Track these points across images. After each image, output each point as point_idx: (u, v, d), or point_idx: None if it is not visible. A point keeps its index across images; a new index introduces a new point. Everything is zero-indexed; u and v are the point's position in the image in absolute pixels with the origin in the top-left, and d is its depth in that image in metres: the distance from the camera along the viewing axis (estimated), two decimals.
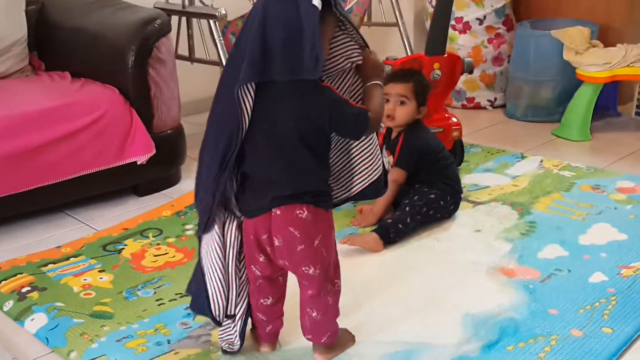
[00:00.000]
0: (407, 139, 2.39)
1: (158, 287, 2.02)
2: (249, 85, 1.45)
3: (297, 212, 1.51)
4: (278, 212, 1.51)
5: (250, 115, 1.47)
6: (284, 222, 1.52)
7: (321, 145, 1.53)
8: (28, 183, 2.37)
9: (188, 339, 1.77)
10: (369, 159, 1.66)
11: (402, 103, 2.38)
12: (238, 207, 1.59)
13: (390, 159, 2.44)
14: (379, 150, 1.68)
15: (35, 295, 2.00)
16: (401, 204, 2.33)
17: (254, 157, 1.52)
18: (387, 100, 2.39)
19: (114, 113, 2.51)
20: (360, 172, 1.67)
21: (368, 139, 1.66)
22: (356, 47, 1.59)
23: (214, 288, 1.58)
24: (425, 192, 2.34)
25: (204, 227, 1.57)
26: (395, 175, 2.37)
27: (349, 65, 1.60)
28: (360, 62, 1.60)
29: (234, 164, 1.52)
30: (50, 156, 2.39)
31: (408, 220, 2.26)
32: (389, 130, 2.49)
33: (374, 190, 1.69)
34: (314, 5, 1.40)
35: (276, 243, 1.54)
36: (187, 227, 2.41)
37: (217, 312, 1.60)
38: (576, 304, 1.88)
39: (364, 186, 1.67)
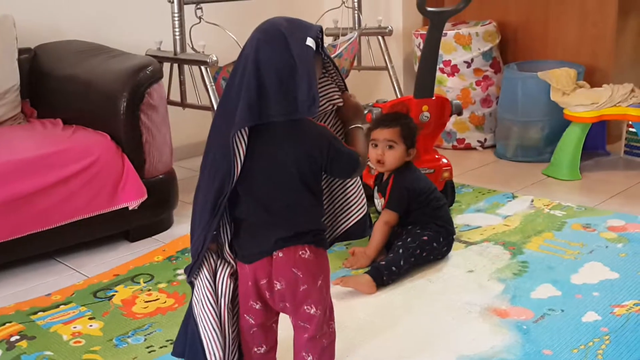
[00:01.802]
0: (397, 181, 2.41)
1: (149, 334, 2.00)
2: (242, 129, 1.46)
3: (300, 252, 1.50)
4: (280, 255, 1.50)
5: (243, 158, 1.47)
6: (287, 264, 1.50)
7: (317, 184, 1.54)
8: (18, 230, 2.36)
9: None
10: (352, 198, 1.67)
11: (391, 147, 2.42)
12: (234, 254, 1.58)
13: (382, 201, 2.45)
14: (362, 190, 1.68)
15: (24, 344, 1.97)
16: (394, 246, 2.33)
17: (251, 200, 1.51)
18: (376, 146, 2.42)
19: (105, 159, 2.52)
20: (344, 212, 1.67)
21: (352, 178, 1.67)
22: (336, 89, 1.62)
23: (209, 338, 1.54)
24: (418, 233, 2.35)
25: (189, 272, 1.55)
26: (387, 217, 2.38)
27: (330, 107, 1.62)
28: (340, 104, 1.63)
29: (226, 210, 1.51)
30: (42, 203, 2.39)
31: (401, 262, 2.26)
32: (381, 173, 2.51)
33: (359, 229, 1.68)
34: (307, 46, 1.43)
35: (277, 287, 1.52)
36: (179, 272, 2.40)
37: None
38: (570, 344, 1.87)
39: (349, 225, 1.67)
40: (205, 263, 1.56)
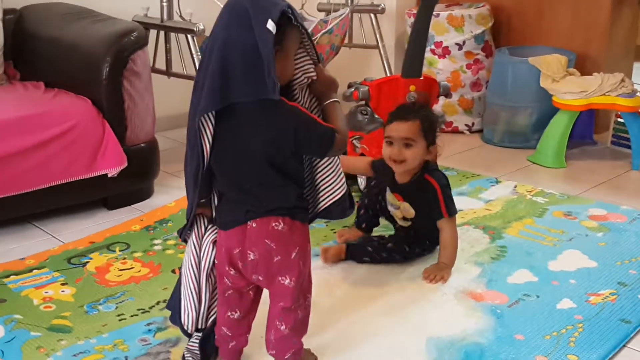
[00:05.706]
0: (441, 185, 2.18)
1: (120, 302, 1.98)
2: (209, 112, 1.46)
3: (274, 224, 1.50)
4: (254, 225, 1.50)
5: (211, 140, 1.48)
6: (259, 235, 1.50)
7: (289, 165, 1.51)
8: None
9: (146, 355, 1.74)
10: (331, 178, 1.64)
11: (409, 145, 2.12)
12: (215, 220, 1.60)
13: (402, 204, 2.22)
14: (341, 170, 1.65)
15: None
16: (400, 248, 2.22)
17: (225, 178, 1.53)
18: (391, 143, 2.14)
19: (86, 124, 2.48)
20: (323, 190, 1.65)
21: (330, 158, 1.64)
22: (310, 62, 1.57)
23: (187, 298, 1.61)
24: (427, 246, 2.27)
25: (181, 234, 1.62)
26: (453, 224, 2.18)
27: (306, 80, 1.58)
28: (314, 78, 1.58)
29: (209, 183, 1.55)
30: (19, 165, 2.36)
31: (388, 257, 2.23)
32: (392, 172, 2.22)
33: (338, 209, 1.65)
34: (267, 29, 1.39)
35: (250, 257, 1.52)
36: (156, 242, 2.38)
37: (187, 323, 1.61)
38: (543, 330, 1.86)
39: (327, 204, 1.65)
40: (196, 227, 1.61)
